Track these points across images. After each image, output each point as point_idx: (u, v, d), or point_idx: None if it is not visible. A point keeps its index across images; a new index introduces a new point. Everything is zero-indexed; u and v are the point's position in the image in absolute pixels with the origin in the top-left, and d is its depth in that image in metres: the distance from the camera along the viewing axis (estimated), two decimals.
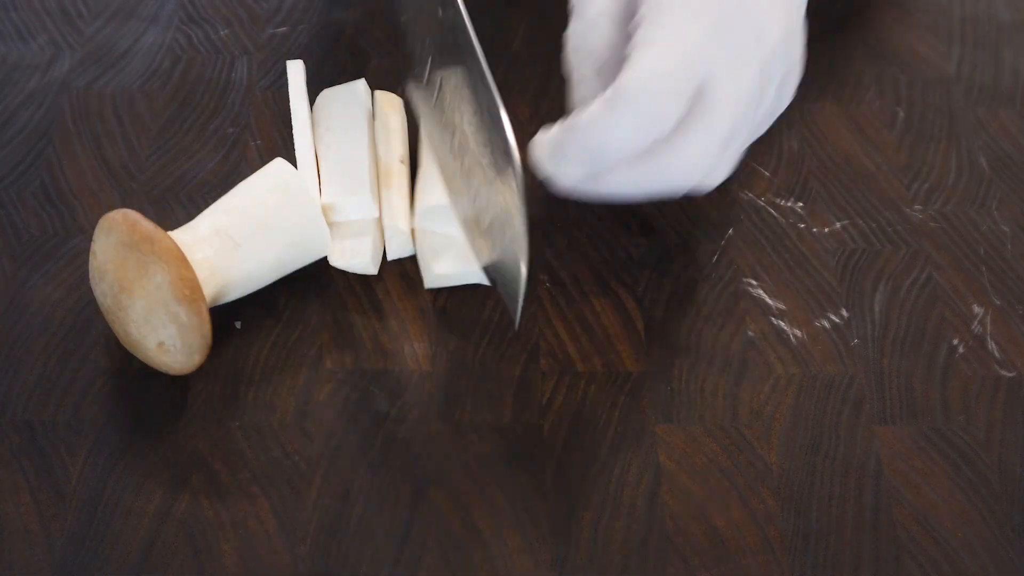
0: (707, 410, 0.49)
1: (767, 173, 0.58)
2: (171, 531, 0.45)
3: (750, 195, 0.57)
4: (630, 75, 0.44)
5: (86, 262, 0.53)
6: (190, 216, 0.55)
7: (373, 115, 0.56)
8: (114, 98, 0.59)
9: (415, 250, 0.53)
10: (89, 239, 0.53)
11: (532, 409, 0.49)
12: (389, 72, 0.60)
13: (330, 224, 0.51)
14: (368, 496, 0.46)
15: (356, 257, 0.51)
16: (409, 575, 0.45)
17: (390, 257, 0.53)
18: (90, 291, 0.52)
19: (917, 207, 0.57)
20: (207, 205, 0.55)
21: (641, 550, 0.45)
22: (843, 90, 0.62)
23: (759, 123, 0.49)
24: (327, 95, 0.56)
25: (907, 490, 0.47)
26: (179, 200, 0.55)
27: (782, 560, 0.45)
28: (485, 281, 0.52)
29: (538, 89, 0.60)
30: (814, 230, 0.56)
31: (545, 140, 0.47)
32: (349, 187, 0.51)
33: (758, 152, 0.59)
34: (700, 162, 0.46)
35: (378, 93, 0.56)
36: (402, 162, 0.54)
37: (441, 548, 0.45)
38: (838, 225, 0.56)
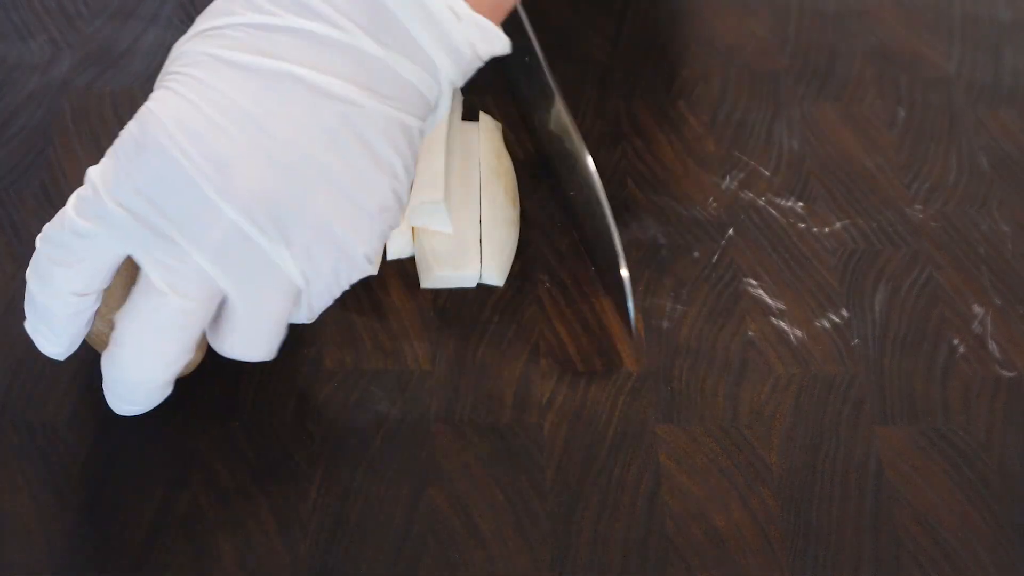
0: (707, 410, 0.49)
1: (767, 173, 0.58)
2: (171, 531, 0.45)
3: (750, 195, 0.57)
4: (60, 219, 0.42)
5: None
6: None
7: None
8: (114, 98, 0.59)
9: (413, 251, 0.53)
10: None
11: (532, 409, 0.49)
12: None
13: None
14: (368, 496, 0.46)
15: None
16: (409, 575, 0.45)
17: (390, 257, 0.53)
18: None
19: (917, 207, 0.57)
20: None
21: (641, 550, 0.45)
22: (843, 90, 0.62)
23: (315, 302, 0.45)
24: None
25: (907, 490, 0.47)
26: None
27: (782, 560, 0.45)
28: (488, 282, 0.52)
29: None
30: (814, 230, 0.56)
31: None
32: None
33: (758, 152, 0.59)
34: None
35: None
36: None
37: (441, 548, 0.45)
38: (838, 225, 0.56)
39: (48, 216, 0.54)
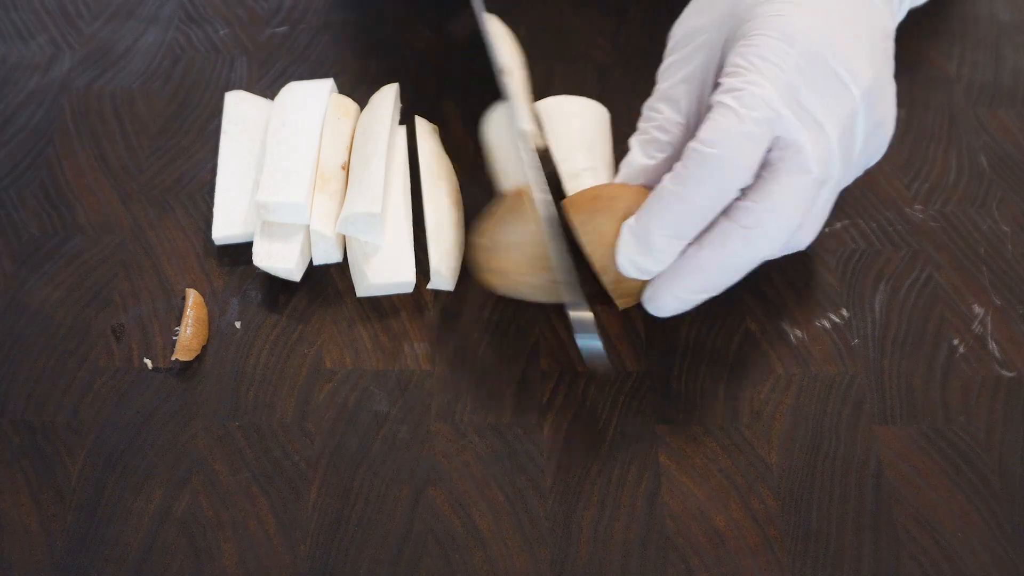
0: (707, 410, 0.49)
1: None
2: (171, 531, 0.45)
3: None
4: (712, 126, 0.44)
5: (86, 262, 0.53)
6: (190, 216, 0.55)
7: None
8: (114, 98, 0.59)
9: (341, 258, 0.53)
10: (89, 239, 0.53)
11: (532, 409, 0.49)
12: (389, 72, 0.60)
13: (262, 221, 0.52)
14: (368, 496, 0.46)
15: (280, 262, 0.51)
16: (409, 575, 0.45)
17: (316, 263, 0.52)
18: (90, 291, 0.52)
19: (917, 207, 0.57)
20: (207, 205, 0.55)
21: (641, 550, 0.45)
22: None
23: (847, 174, 0.49)
24: (291, 88, 0.56)
25: (907, 490, 0.47)
26: (179, 200, 0.55)
27: (782, 560, 0.45)
28: (437, 287, 0.52)
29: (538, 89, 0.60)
30: None
31: (626, 234, 0.46)
32: (286, 192, 0.51)
33: None
34: (789, 214, 0.46)
35: (334, 96, 0.56)
36: (343, 168, 0.53)
37: (441, 548, 0.45)
38: (838, 225, 0.56)
39: (48, 216, 0.54)
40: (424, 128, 0.56)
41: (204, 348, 0.50)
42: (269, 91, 0.59)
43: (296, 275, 0.51)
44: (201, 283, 0.52)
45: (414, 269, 0.51)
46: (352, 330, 0.51)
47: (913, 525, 0.46)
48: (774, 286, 0.53)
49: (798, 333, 0.52)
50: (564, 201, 0.48)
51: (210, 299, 0.52)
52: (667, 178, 0.45)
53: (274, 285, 0.52)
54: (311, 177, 0.52)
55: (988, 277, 0.54)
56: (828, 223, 0.56)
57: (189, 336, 0.49)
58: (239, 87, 0.60)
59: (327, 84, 0.56)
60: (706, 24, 0.49)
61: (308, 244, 0.52)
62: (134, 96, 0.59)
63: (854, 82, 0.46)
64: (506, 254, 0.48)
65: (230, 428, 0.48)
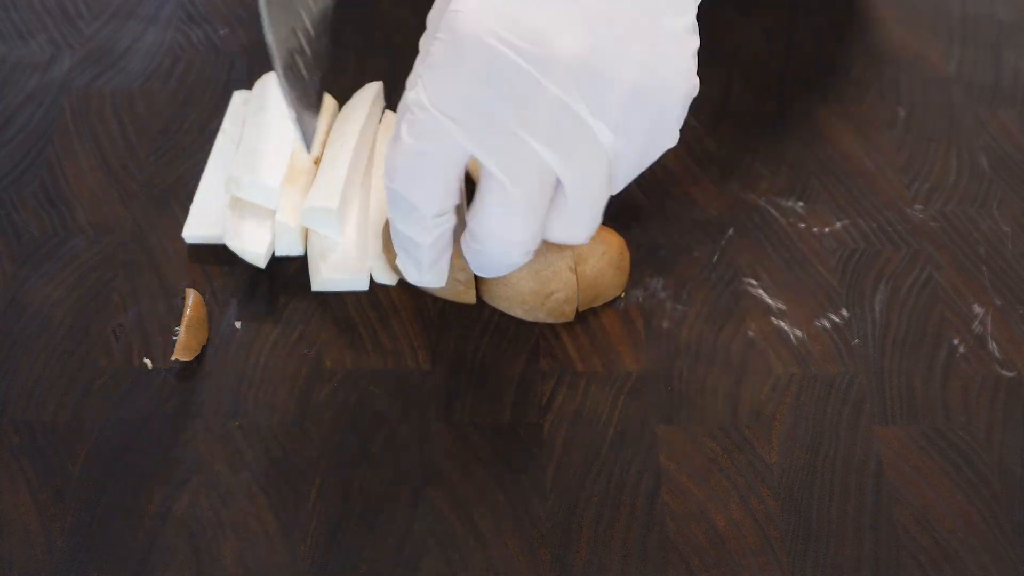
0: (707, 410, 0.49)
1: (767, 173, 0.58)
2: (171, 531, 0.45)
3: (750, 195, 0.57)
4: (401, 141, 0.42)
5: (86, 262, 0.53)
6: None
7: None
8: (114, 98, 0.59)
9: (303, 251, 0.52)
10: (89, 239, 0.53)
11: (532, 409, 0.49)
12: (389, 72, 0.60)
13: (232, 197, 0.52)
14: (368, 496, 0.46)
15: (251, 245, 0.51)
16: (409, 575, 0.45)
17: (278, 254, 0.52)
18: (90, 291, 0.52)
19: (917, 207, 0.57)
20: None
21: (641, 550, 0.45)
22: (843, 90, 0.62)
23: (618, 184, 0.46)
24: (270, 79, 0.56)
25: (907, 490, 0.47)
26: (179, 200, 0.55)
27: (782, 560, 0.45)
28: (381, 281, 0.52)
29: None
30: (814, 230, 0.56)
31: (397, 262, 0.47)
32: (259, 170, 0.51)
33: (759, 152, 0.59)
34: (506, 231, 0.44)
35: None
36: (316, 163, 0.53)
37: (441, 548, 0.45)
38: (838, 225, 0.56)
39: (48, 216, 0.54)
40: (390, 123, 0.56)
41: (204, 348, 0.50)
42: None
43: (261, 263, 0.51)
44: (201, 283, 0.52)
45: (368, 267, 0.52)
46: (352, 330, 0.51)
47: (913, 525, 0.46)
48: (774, 286, 0.53)
49: (798, 333, 0.52)
50: None
51: (210, 299, 0.52)
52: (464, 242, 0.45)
53: (274, 285, 0.52)
54: (285, 165, 0.52)
55: (988, 277, 0.54)
56: (828, 223, 0.56)
57: (189, 336, 0.49)
58: (239, 87, 0.60)
59: None
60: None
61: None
62: (134, 96, 0.59)
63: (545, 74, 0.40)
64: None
65: (230, 428, 0.48)
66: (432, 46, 0.42)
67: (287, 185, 0.52)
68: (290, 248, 0.52)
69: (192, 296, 0.51)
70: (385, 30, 0.63)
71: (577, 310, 0.51)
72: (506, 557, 0.45)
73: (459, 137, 0.41)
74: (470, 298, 0.51)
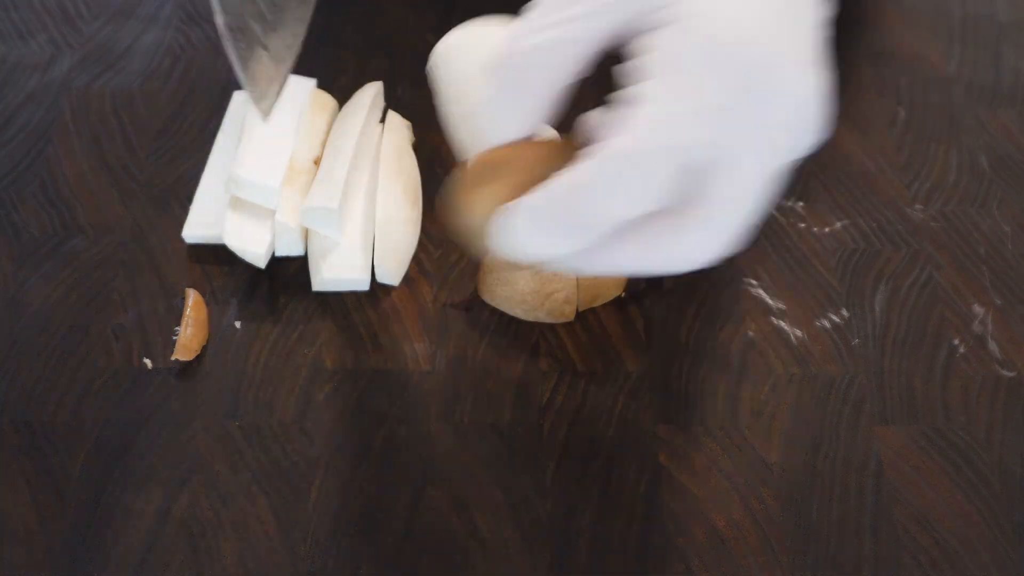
0: (707, 410, 0.49)
1: None
2: (171, 531, 0.45)
3: None
4: (631, 138, 0.36)
5: (86, 262, 0.53)
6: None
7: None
8: (114, 98, 0.59)
9: (303, 251, 0.52)
10: (89, 239, 0.53)
11: (532, 409, 0.49)
12: (389, 73, 0.60)
13: (232, 196, 0.52)
14: (368, 496, 0.46)
15: (251, 245, 0.51)
16: (409, 575, 0.45)
17: (278, 254, 0.52)
18: (90, 291, 0.52)
19: (918, 207, 0.57)
20: None
21: (641, 550, 0.45)
22: (843, 90, 0.62)
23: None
24: None
25: (907, 490, 0.47)
26: (179, 200, 0.55)
27: (782, 560, 0.45)
28: (383, 281, 0.52)
29: None
30: (814, 230, 0.56)
31: (524, 208, 0.36)
32: (259, 170, 0.51)
33: None
34: (707, 249, 0.38)
35: (313, 92, 0.56)
36: (315, 163, 0.53)
37: (441, 548, 0.45)
38: (838, 225, 0.56)
39: (48, 216, 0.54)
40: (395, 123, 0.56)
41: (204, 348, 0.50)
42: None
43: (262, 262, 0.51)
44: (201, 283, 0.52)
45: (369, 267, 0.52)
46: (352, 330, 0.51)
47: (913, 525, 0.46)
48: (774, 286, 0.53)
49: (798, 333, 0.52)
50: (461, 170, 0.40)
51: (210, 299, 0.52)
52: (583, 167, 0.36)
53: (274, 285, 0.52)
54: (285, 165, 0.52)
55: (988, 277, 0.54)
56: (828, 223, 0.56)
57: (189, 336, 0.49)
58: (239, 87, 0.59)
59: (310, 82, 0.56)
60: None
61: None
62: (134, 96, 0.59)
63: (789, 95, 0.38)
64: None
65: (230, 428, 0.48)
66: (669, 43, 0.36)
67: (287, 185, 0.52)
68: (290, 248, 0.52)
69: (192, 296, 0.51)
70: (385, 30, 0.63)
71: (577, 310, 0.51)
72: (506, 557, 0.45)
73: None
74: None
